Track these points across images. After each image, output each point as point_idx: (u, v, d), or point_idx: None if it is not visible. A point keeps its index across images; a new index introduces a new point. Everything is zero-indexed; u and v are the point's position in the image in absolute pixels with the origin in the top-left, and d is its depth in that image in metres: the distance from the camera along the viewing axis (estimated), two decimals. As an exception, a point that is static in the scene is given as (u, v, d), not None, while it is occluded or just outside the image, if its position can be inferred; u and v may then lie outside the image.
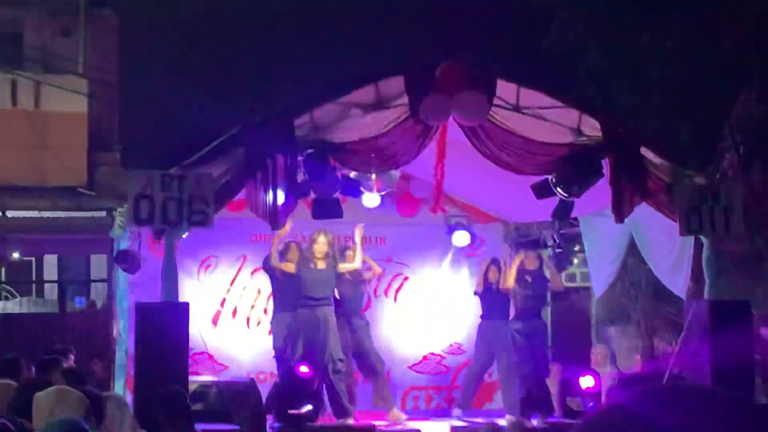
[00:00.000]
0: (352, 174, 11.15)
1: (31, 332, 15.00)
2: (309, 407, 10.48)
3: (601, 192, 10.55)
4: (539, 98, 10.51)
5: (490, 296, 12.74)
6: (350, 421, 11.55)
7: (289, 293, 11.93)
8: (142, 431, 7.45)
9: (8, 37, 16.64)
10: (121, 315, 12.30)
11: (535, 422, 11.52)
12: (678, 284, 11.68)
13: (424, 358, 13.48)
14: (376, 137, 10.27)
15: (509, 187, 11.96)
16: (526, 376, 12.29)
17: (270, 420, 10.28)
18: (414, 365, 13.01)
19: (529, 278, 12.63)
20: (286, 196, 10.22)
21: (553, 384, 12.17)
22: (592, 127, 10.56)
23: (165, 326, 9.53)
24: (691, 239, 11.07)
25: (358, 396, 12.48)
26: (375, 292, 13.40)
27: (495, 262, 12.99)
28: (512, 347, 12.49)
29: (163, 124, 17.66)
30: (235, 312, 13.07)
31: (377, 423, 11.69)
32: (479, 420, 11.93)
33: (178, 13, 18.63)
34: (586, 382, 10.96)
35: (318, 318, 11.69)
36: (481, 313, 12.90)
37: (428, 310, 13.55)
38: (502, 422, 11.29)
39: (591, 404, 10.88)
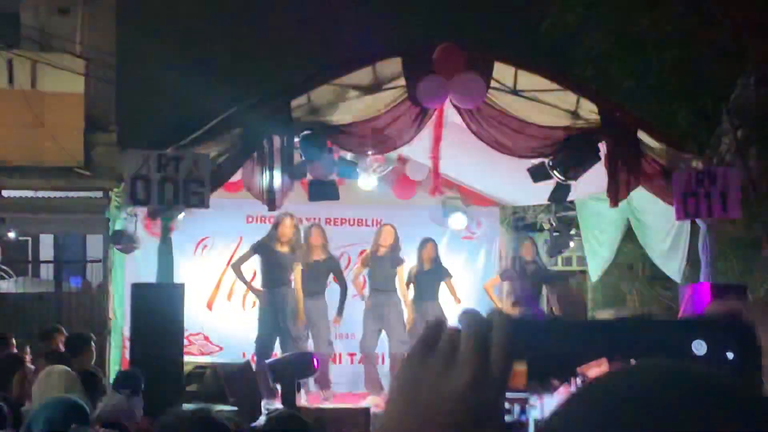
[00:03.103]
0: (349, 156, 11.13)
1: (27, 312, 15.01)
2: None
3: (598, 175, 10.55)
4: (537, 81, 10.50)
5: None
6: (349, 405, 11.56)
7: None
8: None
9: (5, 16, 16.56)
10: (116, 295, 12.28)
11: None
12: (673, 268, 11.68)
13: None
14: (373, 119, 10.26)
15: (506, 170, 11.95)
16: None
17: (264, 401, 10.27)
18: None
19: (525, 267, 12.62)
20: (283, 178, 10.22)
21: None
22: (589, 111, 10.55)
23: (160, 307, 9.54)
24: (687, 223, 11.07)
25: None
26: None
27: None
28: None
29: (160, 105, 17.62)
30: (230, 293, 13.08)
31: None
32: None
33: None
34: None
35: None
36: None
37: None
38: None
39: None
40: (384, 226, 12.60)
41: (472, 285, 13.74)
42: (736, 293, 10.90)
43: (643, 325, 1.23)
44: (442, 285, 12.59)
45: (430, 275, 12.53)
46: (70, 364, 7.56)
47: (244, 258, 12.08)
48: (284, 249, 11.92)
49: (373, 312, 12.17)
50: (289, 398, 9.90)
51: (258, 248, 11.95)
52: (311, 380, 11.29)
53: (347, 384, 12.69)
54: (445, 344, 1.16)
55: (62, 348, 9.29)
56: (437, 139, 10.99)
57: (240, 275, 12.11)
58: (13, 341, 9.93)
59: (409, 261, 12.79)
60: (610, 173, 10.48)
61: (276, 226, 11.92)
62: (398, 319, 12.17)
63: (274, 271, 11.88)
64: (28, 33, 16.50)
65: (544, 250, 13.33)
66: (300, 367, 9.95)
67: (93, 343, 9.00)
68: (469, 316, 1.18)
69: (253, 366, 11.32)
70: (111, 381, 11.75)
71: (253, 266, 12.38)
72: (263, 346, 11.64)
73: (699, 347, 1.18)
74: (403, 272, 12.53)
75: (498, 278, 13.17)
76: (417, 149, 11.87)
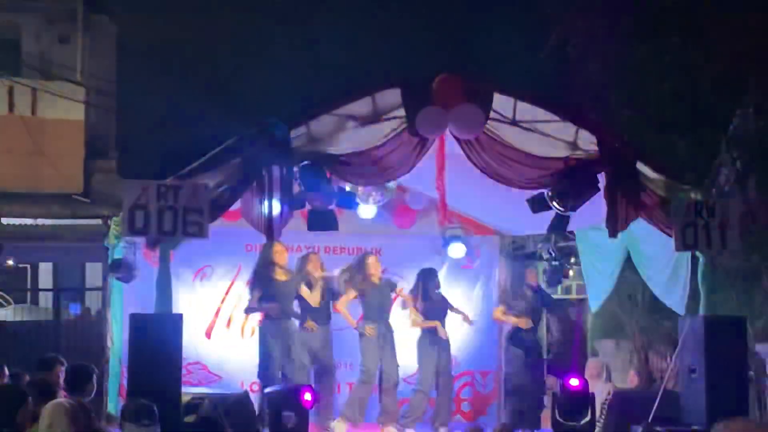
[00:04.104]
0: (348, 186, 11.13)
1: (26, 339, 14.97)
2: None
3: (597, 206, 10.54)
4: (536, 112, 10.51)
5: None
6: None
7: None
8: None
9: (6, 44, 16.63)
10: (115, 323, 12.27)
11: None
12: (674, 298, 11.67)
13: (418, 369, 13.43)
14: (372, 149, 10.26)
15: (505, 200, 11.94)
16: (520, 388, 12.27)
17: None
18: (408, 377, 12.94)
19: (529, 293, 12.60)
20: (282, 207, 10.21)
21: (548, 395, 12.15)
22: (588, 142, 10.55)
23: (158, 337, 9.51)
24: (687, 254, 11.06)
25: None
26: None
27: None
28: (506, 359, 12.47)
29: (160, 133, 17.64)
30: (229, 322, 13.07)
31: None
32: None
33: (176, 22, 18.63)
34: (573, 382, 10.92)
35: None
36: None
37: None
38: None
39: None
40: (368, 256, 12.65)
41: (472, 314, 13.70)
42: (734, 324, 10.90)
43: None
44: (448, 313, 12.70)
45: (434, 306, 12.57)
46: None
47: (252, 300, 12.13)
48: (283, 276, 11.92)
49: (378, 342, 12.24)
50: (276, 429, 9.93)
51: (257, 279, 11.99)
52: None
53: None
54: None
55: (62, 380, 9.23)
56: (440, 169, 10.98)
57: (255, 310, 12.17)
58: (6, 371, 9.88)
59: (408, 289, 12.82)
60: (609, 204, 10.47)
61: (269, 252, 11.95)
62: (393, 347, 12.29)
63: (276, 302, 11.88)
64: (29, 60, 16.56)
65: (543, 279, 13.33)
66: (289, 399, 10.01)
67: (95, 376, 8.94)
68: None
69: (252, 396, 11.32)
70: (109, 409, 11.80)
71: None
72: (262, 377, 11.65)
73: None
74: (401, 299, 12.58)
75: (503, 307, 13.19)
76: (419, 179, 11.88)
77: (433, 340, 12.58)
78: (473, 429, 11.04)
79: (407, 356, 12.66)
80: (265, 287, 11.96)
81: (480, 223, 14.15)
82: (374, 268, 12.38)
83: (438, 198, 11.41)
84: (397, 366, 12.32)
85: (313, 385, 11.08)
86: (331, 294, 12.44)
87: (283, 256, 11.97)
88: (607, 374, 12.99)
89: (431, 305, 12.63)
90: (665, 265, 11.59)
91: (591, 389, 11.09)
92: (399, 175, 10.90)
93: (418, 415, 12.56)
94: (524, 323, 12.47)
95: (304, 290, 12.11)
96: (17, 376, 9.95)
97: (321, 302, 12.25)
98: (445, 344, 12.62)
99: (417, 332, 12.72)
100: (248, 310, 12.24)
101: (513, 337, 12.88)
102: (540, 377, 12.39)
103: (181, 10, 18.78)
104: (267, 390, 10.61)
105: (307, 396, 10.15)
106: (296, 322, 12.05)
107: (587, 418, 10.92)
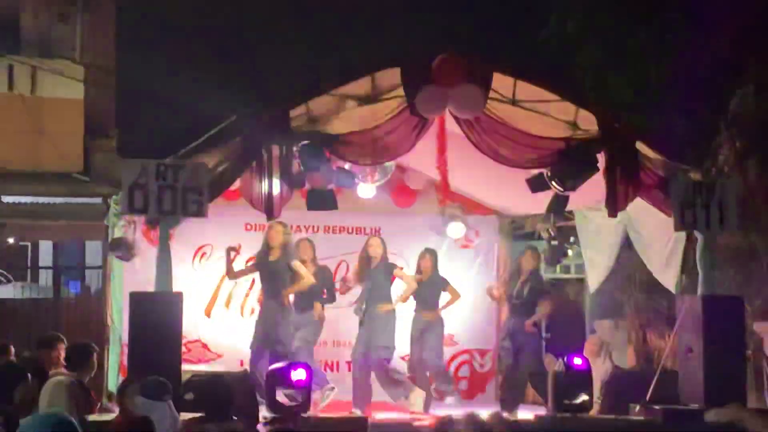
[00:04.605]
0: (347, 165, 11.15)
1: (25, 317, 15.00)
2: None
3: (596, 186, 10.56)
4: (536, 92, 10.52)
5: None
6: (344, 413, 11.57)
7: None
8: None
9: (5, 22, 16.58)
10: (115, 302, 12.29)
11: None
12: (671, 278, 11.70)
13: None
14: (372, 129, 10.28)
15: (505, 180, 11.96)
16: (523, 369, 12.26)
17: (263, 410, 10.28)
18: (407, 355, 12.96)
19: (527, 277, 12.56)
20: (282, 187, 10.25)
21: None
22: (588, 122, 10.57)
23: (158, 316, 9.58)
24: (683, 234, 11.09)
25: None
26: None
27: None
28: (508, 341, 12.46)
29: (160, 112, 17.62)
30: (229, 301, 13.10)
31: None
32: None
33: (176, 1, 18.59)
34: (577, 361, 10.98)
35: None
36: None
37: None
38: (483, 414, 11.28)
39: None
40: (371, 237, 12.62)
41: (471, 293, 13.74)
42: (732, 303, 10.93)
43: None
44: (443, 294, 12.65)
45: (430, 286, 12.54)
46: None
47: (243, 272, 12.15)
48: (276, 256, 11.89)
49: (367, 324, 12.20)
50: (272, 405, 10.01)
51: (257, 266, 12.04)
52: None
53: (345, 392, 12.67)
54: None
55: (62, 357, 9.27)
56: (441, 150, 10.99)
57: (239, 276, 12.19)
58: (12, 349, 9.91)
59: (408, 269, 12.82)
60: (608, 184, 10.50)
61: (266, 233, 11.96)
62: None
63: (268, 282, 11.89)
64: (29, 39, 16.53)
65: (542, 258, 13.32)
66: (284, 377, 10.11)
67: (95, 354, 8.97)
68: (470, 419, 1.19)
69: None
70: (110, 387, 11.83)
71: (253, 275, 12.43)
72: (254, 357, 11.68)
73: None
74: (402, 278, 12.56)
75: (499, 287, 13.21)
76: (418, 159, 11.89)
77: (417, 318, 12.55)
78: (468, 415, 11.00)
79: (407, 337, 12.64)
80: (260, 268, 11.99)
81: (479, 203, 14.16)
82: (374, 250, 12.34)
83: (439, 178, 11.42)
84: (394, 348, 12.26)
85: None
86: (324, 280, 12.45)
87: (276, 236, 11.90)
88: (605, 353, 13.02)
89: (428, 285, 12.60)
90: (663, 246, 11.62)
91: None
92: (399, 154, 10.92)
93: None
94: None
95: (297, 264, 12.01)
96: (24, 356, 9.97)
97: (314, 286, 12.22)
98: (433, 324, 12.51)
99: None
100: (230, 274, 12.20)
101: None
102: (536, 363, 12.37)
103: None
104: (271, 368, 10.63)
105: (301, 374, 10.18)
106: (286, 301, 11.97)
107: (585, 397, 10.97)
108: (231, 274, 12.20)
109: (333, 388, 11.78)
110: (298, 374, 10.20)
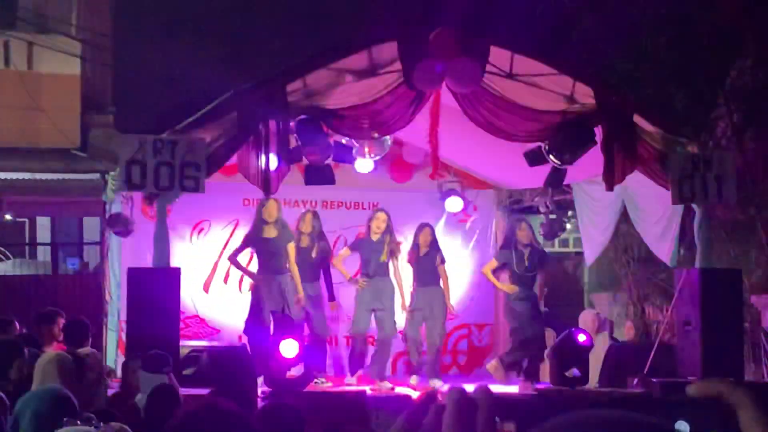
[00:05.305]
0: (344, 140, 11.12)
1: (24, 293, 15.01)
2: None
3: (594, 159, 10.56)
4: (533, 65, 10.50)
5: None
6: (345, 387, 11.62)
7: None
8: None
9: (1, -2, 16.55)
10: (113, 278, 12.31)
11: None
12: (665, 251, 11.72)
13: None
14: (369, 103, 10.27)
15: (502, 154, 11.96)
16: (525, 343, 12.25)
17: (261, 385, 10.30)
18: (401, 330, 12.97)
19: (523, 251, 12.52)
20: (279, 162, 10.23)
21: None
22: (585, 95, 10.55)
23: (156, 291, 9.59)
24: (679, 207, 11.09)
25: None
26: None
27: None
28: (511, 315, 12.45)
29: (157, 88, 17.60)
30: (227, 276, 13.10)
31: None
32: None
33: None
34: (581, 337, 11.01)
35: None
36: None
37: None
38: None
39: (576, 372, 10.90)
40: (378, 212, 12.53)
41: (469, 267, 13.76)
42: (730, 276, 10.95)
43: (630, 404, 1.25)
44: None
45: (428, 260, 12.52)
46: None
47: (238, 250, 12.09)
48: (272, 233, 11.82)
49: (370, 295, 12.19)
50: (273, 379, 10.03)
51: (249, 241, 11.93)
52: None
53: (344, 367, 12.71)
54: (430, 421, 1.18)
55: (60, 333, 9.29)
56: (434, 123, 10.97)
57: (237, 265, 12.13)
58: (17, 325, 9.92)
59: (406, 244, 12.81)
60: (606, 157, 10.49)
61: (260, 209, 11.84)
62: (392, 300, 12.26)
63: (265, 260, 11.85)
64: (25, 14, 16.47)
65: (540, 232, 13.33)
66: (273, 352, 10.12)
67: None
68: (455, 394, 1.19)
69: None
70: (108, 362, 11.86)
71: (250, 250, 12.42)
72: (250, 333, 11.68)
73: (682, 427, 1.20)
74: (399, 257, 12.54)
75: (495, 261, 13.07)
76: (416, 133, 11.87)
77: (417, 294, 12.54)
78: (453, 388, 10.97)
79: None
80: (254, 245, 11.91)
81: (477, 177, 14.15)
82: (375, 224, 12.30)
83: (432, 152, 11.41)
84: (394, 322, 12.28)
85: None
86: (324, 252, 12.44)
87: (271, 212, 11.80)
88: (600, 325, 13.02)
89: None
90: (660, 218, 11.63)
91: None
92: (396, 129, 10.91)
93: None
94: (509, 289, 12.38)
95: (291, 247, 11.98)
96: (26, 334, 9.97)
97: (314, 258, 12.22)
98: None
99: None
100: (233, 261, 12.14)
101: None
102: (541, 331, 12.39)
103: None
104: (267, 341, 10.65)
105: (292, 348, 10.13)
106: (288, 277, 11.95)
107: (583, 372, 11.00)
108: (232, 258, 12.18)
109: (324, 381, 11.87)
110: (290, 347, 10.15)
